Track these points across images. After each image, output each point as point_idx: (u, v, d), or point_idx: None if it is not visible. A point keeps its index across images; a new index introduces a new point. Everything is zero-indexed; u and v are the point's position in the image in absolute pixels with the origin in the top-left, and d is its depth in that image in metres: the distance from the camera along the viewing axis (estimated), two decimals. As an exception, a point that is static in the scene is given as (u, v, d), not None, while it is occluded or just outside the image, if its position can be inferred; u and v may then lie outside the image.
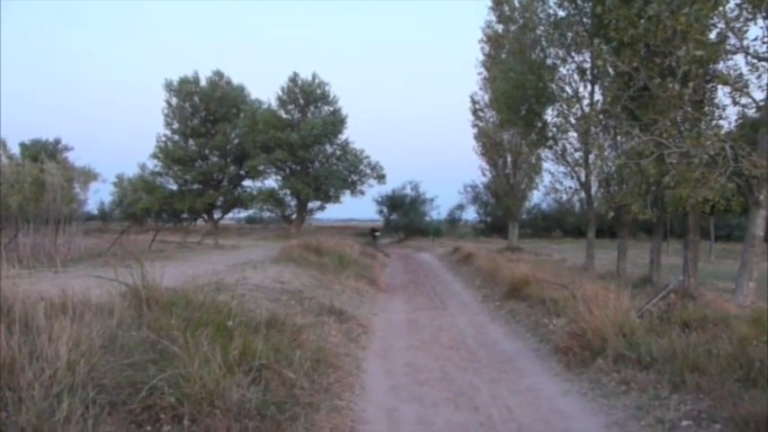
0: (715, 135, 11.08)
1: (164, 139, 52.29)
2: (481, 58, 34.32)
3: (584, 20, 16.35)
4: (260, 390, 4.95)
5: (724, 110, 12.08)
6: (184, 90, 51.60)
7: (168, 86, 51.76)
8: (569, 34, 16.67)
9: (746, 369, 5.64)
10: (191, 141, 51.99)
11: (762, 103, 10.90)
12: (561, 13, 17.28)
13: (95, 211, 59.30)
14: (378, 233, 42.29)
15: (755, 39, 10.84)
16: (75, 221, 22.68)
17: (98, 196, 75.89)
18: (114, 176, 58.03)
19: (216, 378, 4.66)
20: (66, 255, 19.27)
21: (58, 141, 57.19)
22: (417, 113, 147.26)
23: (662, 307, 8.59)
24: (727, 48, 11.10)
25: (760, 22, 10.77)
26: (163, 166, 52.24)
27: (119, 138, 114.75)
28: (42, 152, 40.92)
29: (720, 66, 11.48)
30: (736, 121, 11.71)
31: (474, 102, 36.51)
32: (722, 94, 12.07)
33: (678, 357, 6.22)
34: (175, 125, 52.26)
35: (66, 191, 27.70)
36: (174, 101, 52.06)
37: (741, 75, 11.08)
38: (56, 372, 4.14)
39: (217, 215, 55.23)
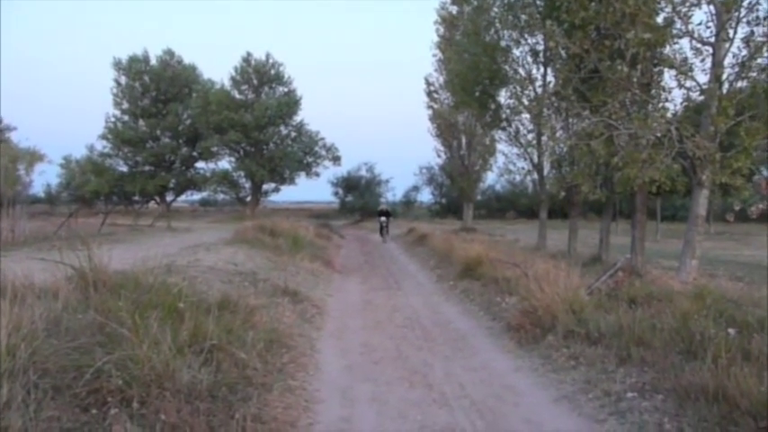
0: (661, 117, 11.37)
1: (113, 119, 50.70)
2: (436, 39, 34.42)
3: (538, 2, 16.47)
4: (211, 371, 4.88)
5: (670, 93, 12.40)
6: (134, 69, 50.03)
7: (117, 65, 50.13)
8: (522, 16, 16.80)
9: (688, 342, 5.85)
10: (141, 122, 50.50)
11: (705, 87, 11.21)
12: (515, -5, 17.39)
13: (42, 194, 57.47)
14: (385, 218, 29.97)
15: (700, 23, 11.15)
16: (19, 204, 21.87)
17: (44, 178, 73.57)
18: (61, 158, 56.19)
19: (165, 360, 4.58)
20: (10, 238, 18.60)
21: (-1, 121, 54.91)
22: (373, 95, 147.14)
23: (610, 284, 8.81)
24: (674, 32, 11.36)
25: (704, 7, 11.06)
26: (112, 148, 50.71)
27: (66, 118, 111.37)
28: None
29: (667, 49, 11.75)
30: (682, 103, 12.02)
31: (429, 83, 36.71)
32: (668, 77, 12.39)
33: (624, 332, 6.40)
34: (125, 105, 50.68)
35: (9, 172, 26.71)
36: (123, 80, 50.42)
37: (686, 59, 11.37)
38: (-6, 356, 3.99)
39: (169, 197, 54.00)
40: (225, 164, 50.60)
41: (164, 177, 50.64)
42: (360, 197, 53.04)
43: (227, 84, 48.63)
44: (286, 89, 49.31)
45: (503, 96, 19.98)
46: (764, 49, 10.76)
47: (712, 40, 11.09)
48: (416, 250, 22.24)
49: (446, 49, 31.87)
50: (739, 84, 11.25)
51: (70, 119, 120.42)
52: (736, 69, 11.15)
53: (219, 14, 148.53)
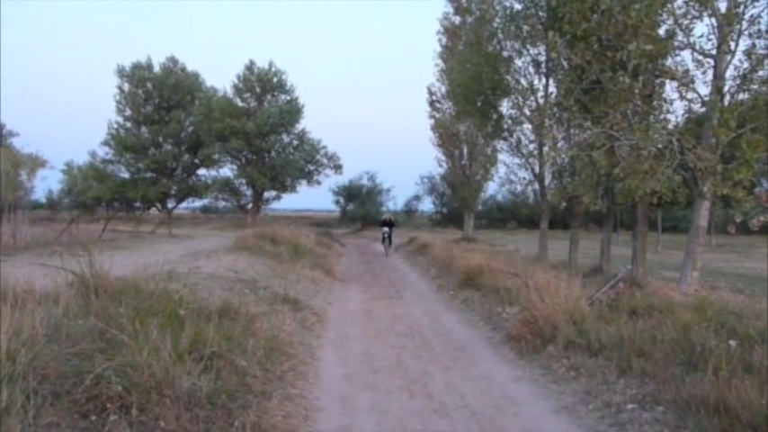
0: (663, 128, 11.39)
1: (115, 126, 50.79)
2: (439, 49, 34.57)
3: (540, 13, 16.56)
4: (211, 378, 4.87)
5: (671, 104, 12.46)
6: (137, 76, 50.21)
7: (120, 72, 50.28)
8: (525, 27, 16.85)
9: (689, 353, 5.84)
10: (143, 129, 50.61)
11: (706, 99, 11.23)
12: (517, 6, 17.46)
13: (43, 200, 57.51)
14: (388, 228, 27.34)
15: (701, 36, 11.23)
16: (20, 209, 21.87)
17: (46, 184, 73.60)
18: (63, 164, 56.25)
19: (165, 366, 4.56)
20: (11, 244, 18.62)
21: (1, 127, 54.94)
22: (375, 104, 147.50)
23: (611, 295, 8.80)
24: (675, 44, 11.42)
25: (706, 19, 11.12)
26: (114, 154, 50.80)
27: (68, 124, 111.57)
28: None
29: (668, 61, 11.81)
30: (683, 115, 12.06)
31: (431, 93, 36.82)
32: (670, 88, 12.46)
33: (625, 343, 6.39)
34: (128, 112, 50.81)
35: (11, 178, 26.74)
36: (126, 87, 50.55)
37: (688, 70, 11.41)
38: (-6, 361, 3.99)
39: (170, 204, 54.02)
40: (226, 171, 50.84)
41: (165, 184, 50.67)
42: (361, 206, 53.10)
43: (230, 91, 48.96)
44: (288, 97, 49.52)
45: (504, 106, 20.01)
46: (766, 61, 10.80)
47: (714, 52, 11.13)
48: (417, 259, 22.23)
49: (448, 58, 32.02)
50: (741, 96, 11.28)
51: (73, 125, 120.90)
52: (738, 82, 11.18)
53: (223, 23, 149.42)
